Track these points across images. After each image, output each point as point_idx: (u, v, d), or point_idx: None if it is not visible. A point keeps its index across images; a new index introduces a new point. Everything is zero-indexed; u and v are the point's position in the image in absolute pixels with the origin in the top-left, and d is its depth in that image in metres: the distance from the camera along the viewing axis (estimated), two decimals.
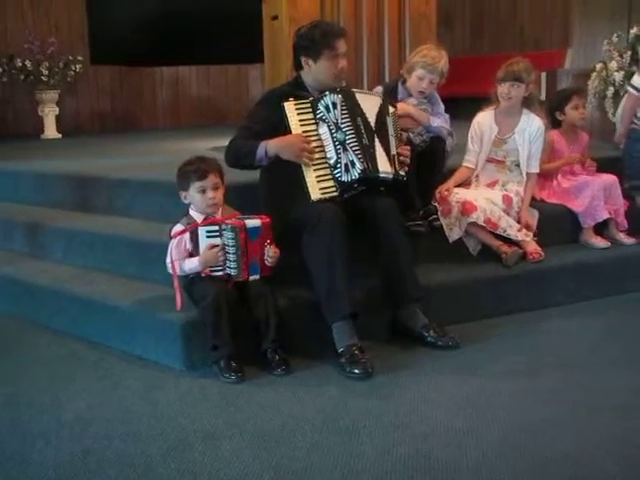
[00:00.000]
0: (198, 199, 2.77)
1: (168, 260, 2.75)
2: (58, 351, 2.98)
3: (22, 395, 2.58)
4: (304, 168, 2.86)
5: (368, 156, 2.89)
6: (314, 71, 3.01)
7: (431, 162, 3.35)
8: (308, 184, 2.85)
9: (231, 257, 2.70)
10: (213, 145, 4.65)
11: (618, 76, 4.80)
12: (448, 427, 2.24)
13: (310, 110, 2.91)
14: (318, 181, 2.86)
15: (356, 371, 2.62)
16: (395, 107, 3.14)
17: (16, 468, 2.07)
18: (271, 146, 2.89)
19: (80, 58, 7.92)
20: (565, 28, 8.31)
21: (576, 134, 3.90)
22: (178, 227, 2.79)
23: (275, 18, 4.62)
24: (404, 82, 3.40)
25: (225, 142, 3.10)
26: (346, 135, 2.88)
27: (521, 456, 2.05)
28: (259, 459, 2.08)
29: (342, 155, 2.87)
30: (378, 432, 2.22)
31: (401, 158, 3.04)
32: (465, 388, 2.53)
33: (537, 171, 3.63)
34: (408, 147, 3.12)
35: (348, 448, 2.12)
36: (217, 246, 2.70)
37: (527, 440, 2.15)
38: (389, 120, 3.03)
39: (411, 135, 3.26)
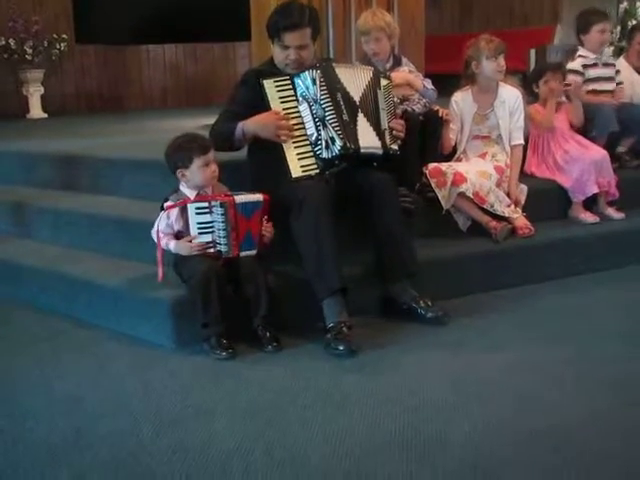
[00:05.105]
0: (201, 173, 2.74)
1: (154, 229, 2.74)
2: (46, 330, 2.96)
3: (11, 374, 2.56)
4: (285, 146, 2.85)
5: (348, 132, 2.86)
6: (273, 52, 3.01)
7: (428, 136, 3.36)
8: (289, 162, 2.84)
9: (221, 233, 2.69)
10: (201, 123, 4.61)
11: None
12: (437, 402, 2.24)
13: (290, 87, 2.89)
14: (299, 159, 2.85)
15: (340, 347, 2.61)
16: (390, 79, 3.11)
17: (6, 447, 2.06)
18: (248, 126, 2.89)
19: (65, 37, 7.81)
20: (554, 4, 8.27)
21: (557, 104, 3.88)
22: (169, 203, 2.77)
23: None
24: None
25: (212, 120, 3.07)
26: (325, 111, 2.85)
27: (508, 430, 2.06)
28: (250, 435, 2.08)
29: (322, 132, 2.85)
30: (368, 407, 2.23)
31: (394, 132, 3.02)
32: (454, 363, 2.54)
33: (522, 142, 3.63)
34: (402, 121, 3.09)
35: (339, 423, 2.13)
36: (198, 242, 2.69)
37: (514, 414, 2.16)
38: (380, 93, 3.00)
39: (412, 105, 3.26)
